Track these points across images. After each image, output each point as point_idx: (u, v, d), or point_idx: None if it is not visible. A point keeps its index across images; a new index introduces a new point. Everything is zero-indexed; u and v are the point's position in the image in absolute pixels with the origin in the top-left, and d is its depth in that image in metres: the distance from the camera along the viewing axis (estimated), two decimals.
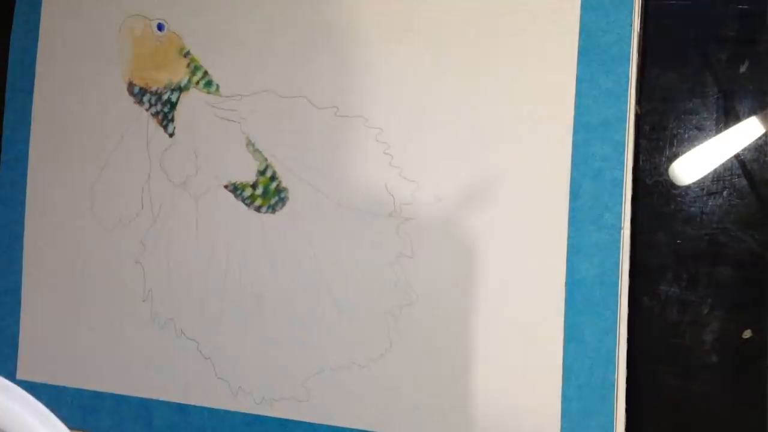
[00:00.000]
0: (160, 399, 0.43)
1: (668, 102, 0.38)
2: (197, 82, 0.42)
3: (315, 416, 0.40)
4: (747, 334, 0.37)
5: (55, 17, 0.45)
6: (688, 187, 0.38)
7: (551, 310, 0.36)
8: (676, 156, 0.38)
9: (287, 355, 0.41)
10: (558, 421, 0.36)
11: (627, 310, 0.36)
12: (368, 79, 0.39)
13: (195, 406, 0.42)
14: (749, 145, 0.37)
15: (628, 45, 0.36)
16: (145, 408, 0.43)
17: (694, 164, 0.38)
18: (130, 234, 0.43)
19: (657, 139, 0.38)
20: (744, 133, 0.37)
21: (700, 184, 0.38)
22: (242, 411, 0.41)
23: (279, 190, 0.41)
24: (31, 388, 0.45)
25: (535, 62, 0.37)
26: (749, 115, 0.37)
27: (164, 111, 0.43)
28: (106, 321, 0.44)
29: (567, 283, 0.36)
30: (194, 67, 0.42)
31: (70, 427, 0.44)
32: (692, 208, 0.37)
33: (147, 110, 0.43)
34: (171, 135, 0.43)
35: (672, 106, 0.38)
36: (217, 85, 0.42)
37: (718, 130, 0.37)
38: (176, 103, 0.43)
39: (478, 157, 0.38)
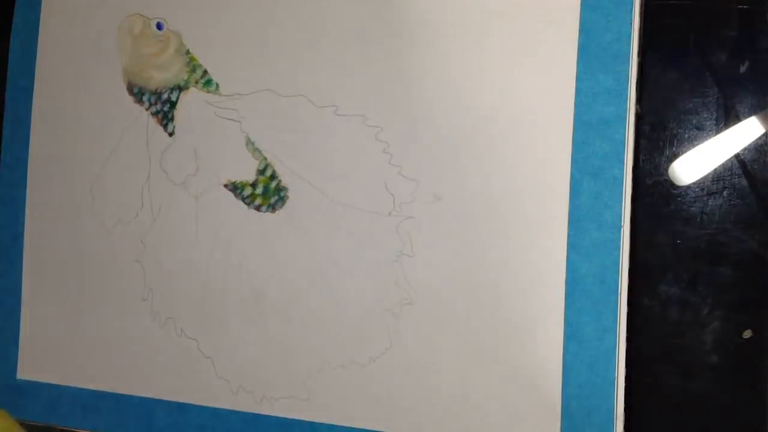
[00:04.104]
0: (161, 398, 0.43)
1: (668, 102, 0.38)
2: (197, 81, 0.42)
3: (315, 415, 0.40)
4: (747, 334, 0.37)
5: (55, 17, 0.45)
6: (688, 187, 0.38)
7: (551, 308, 0.36)
8: (676, 156, 0.38)
9: (288, 354, 0.41)
10: (558, 420, 0.36)
11: (627, 309, 0.36)
12: (368, 78, 0.39)
13: (195, 405, 0.42)
14: (749, 145, 0.37)
15: (628, 44, 0.36)
16: (145, 407, 0.43)
17: (694, 164, 0.38)
18: (130, 233, 0.43)
19: (657, 139, 0.38)
20: (744, 133, 0.37)
21: (700, 184, 0.38)
22: (243, 410, 0.41)
23: (279, 189, 0.41)
24: (32, 387, 0.45)
25: (534, 61, 0.37)
26: (749, 115, 0.37)
27: (164, 110, 0.43)
28: (107, 320, 0.44)
29: (567, 282, 0.36)
30: (194, 66, 0.42)
31: (70, 427, 0.45)
32: (692, 208, 0.37)
33: (147, 109, 0.43)
34: (171, 134, 0.43)
35: (672, 106, 0.38)
36: (217, 84, 0.42)
37: (718, 130, 0.37)
38: (176, 102, 0.43)
39: (478, 155, 0.38)
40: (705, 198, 0.37)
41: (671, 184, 0.38)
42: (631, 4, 0.36)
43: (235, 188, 0.42)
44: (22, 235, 0.46)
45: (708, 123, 0.38)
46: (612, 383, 0.36)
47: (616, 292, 0.36)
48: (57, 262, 0.45)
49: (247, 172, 0.41)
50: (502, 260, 0.37)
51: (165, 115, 0.43)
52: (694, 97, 0.38)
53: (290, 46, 0.41)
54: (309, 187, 0.40)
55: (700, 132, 0.38)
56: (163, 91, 0.43)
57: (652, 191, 0.38)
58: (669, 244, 0.38)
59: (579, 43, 0.36)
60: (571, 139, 0.36)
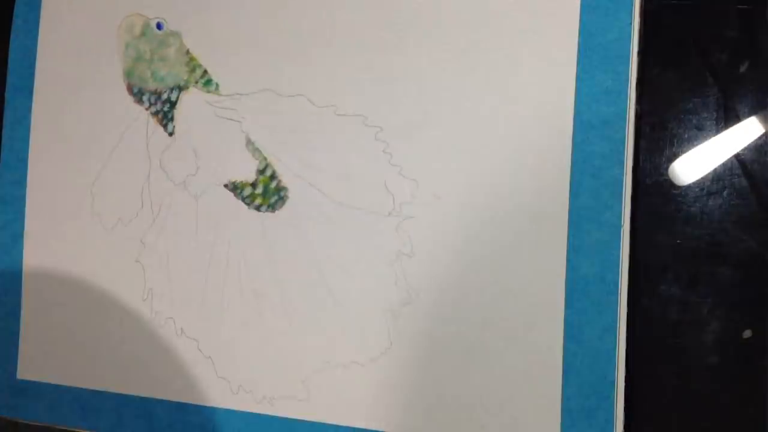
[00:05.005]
0: (161, 398, 0.43)
1: (668, 102, 0.38)
2: (197, 81, 0.42)
3: (315, 415, 0.40)
4: (747, 334, 0.37)
5: (55, 17, 0.45)
6: (688, 187, 0.38)
7: (551, 308, 0.36)
8: (676, 156, 0.38)
9: (287, 354, 0.41)
10: (558, 420, 0.36)
11: (627, 309, 0.36)
12: (368, 78, 0.39)
13: (195, 405, 0.42)
14: (749, 145, 0.37)
15: (628, 44, 0.36)
16: (145, 407, 0.43)
17: (694, 164, 0.38)
18: (130, 233, 0.43)
19: (657, 139, 0.38)
20: (744, 133, 0.37)
21: (700, 184, 0.38)
22: (242, 410, 0.41)
23: (279, 189, 0.41)
24: (31, 387, 0.45)
25: (534, 61, 0.37)
26: (749, 115, 0.37)
27: (164, 110, 0.43)
28: (106, 320, 0.44)
29: (567, 282, 0.36)
30: (193, 66, 0.42)
31: (70, 427, 0.45)
32: (692, 208, 0.37)
33: (146, 109, 0.43)
34: (171, 134, 0.43)
35: (672, 106, 0.38)
36: (217, 84, 0.42)
37: (718, 130, 0.37)
38: (176, 102, 0.43)
39: (478, 155, 0.38)
40: (705, 198, 0.37)
41: (671, 184, 0.38)
42: (631, 4, 0.36)
43: (235, 188, 0.42)
44: (22, 235, 0.46)
45: (708, 123, 0.38)
46: (612, 383, 0.36)
47: (616, 292, 0.36)
48: (57, 262, 0.45)
49: (247, 172, 0.41)
50: (502, 260, 0.37)
51: (165, 115, 0.43)
52: (694, 97, 0.38)
53: (290, 46, 0.41)
54: (309, 187, 0.40)
55: (700, 132, 0.38)
56: (163, 91, 0.43)
57: (652, 191, 0.38)
58: (669, 244, 0.38)
59: (579, 43, 0.36)
60: (571, 139, 0.36)
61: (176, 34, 0.43)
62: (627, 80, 0.36)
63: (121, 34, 0.44)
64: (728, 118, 0.37)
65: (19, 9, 0.46)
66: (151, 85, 0.43)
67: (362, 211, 0.39)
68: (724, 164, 0.37)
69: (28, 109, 0.46)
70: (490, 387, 0.37)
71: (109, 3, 0.44)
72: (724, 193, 0.37)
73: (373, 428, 0.39)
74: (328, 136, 0.40)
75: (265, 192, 0.41)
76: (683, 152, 0.38)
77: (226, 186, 0.42)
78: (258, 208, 0.41)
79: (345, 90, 0.40)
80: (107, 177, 0.44)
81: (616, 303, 0.36)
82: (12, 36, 0.46)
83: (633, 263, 0.36)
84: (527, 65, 0.37)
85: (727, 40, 0.37)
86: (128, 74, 0.44)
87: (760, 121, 0.37)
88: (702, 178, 0.38)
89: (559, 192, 0.36)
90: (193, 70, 0.42)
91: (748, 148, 0.37)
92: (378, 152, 0.39)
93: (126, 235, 0.43)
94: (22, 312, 0.46)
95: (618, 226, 0.36)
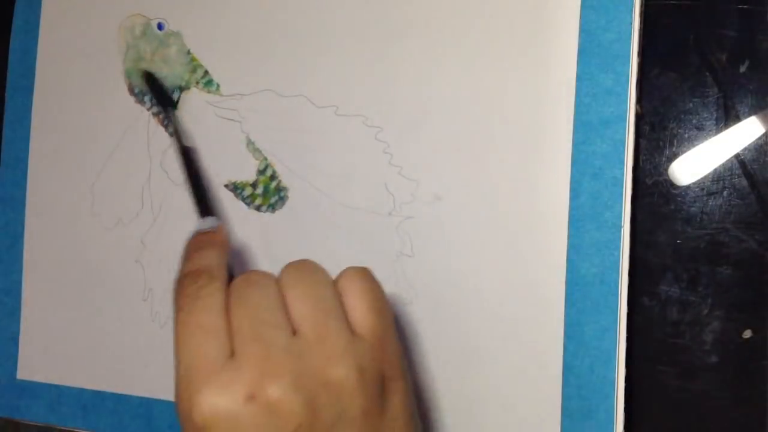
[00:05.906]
0: (161, 398, 0.43)
1: (668, 102, 0.38)
2: (197, 82, 0.42)
3: None
4: (747, 334, 0.37)
5: (55, 17, 0.45)
6: (688, 187, 0.38)
7: (551, 308, 0.36)
8: (676, 156, 0.38)
9: None
10: (558, 420, 0.36)
11: (627, 309, 0.36)
12: (368, 78, 0.39)
13: None
14: (749, 145, 0.37)
15: (628, 44, 0.36)
16: (145, 407, 0.43)
17: (694, 164, 0.38)
18: (130, 233, 0.43)
19: (657, 139, 0.38)
20: (744, 133, 0.37)
21: (700, 184, 0.38)
22: None
23: (279, 189, 0.41)
24: (31, 388, 0.45)
25: (534, 61, 0.37)
26: (749, 115, 0.37)
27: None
28: (106, 320, 0.44)
29: (567, 282, 0.36)
30: (194, 67, 0.42)
31: (70, 427, 0.44)
32: (692, 208, 0.38)
33: (147, 109, 0.43)
34: (171, 134, 0.43)
35: (672, 106, 0.38)
36: (218, 85, 0.42)
37: (718, 130, 0.37)
38: (177, 102, 0.43)
39: (478, 155, 0.38)
40: (705, 198, 0.37)
41: (671, 184, 0.38)
42: (631, 4, 0.36)
43: (235, 188, 0.42)
44: (22, 235, 0.46)
45: (708, 123, 0.38)
46: (612, 383, 0.36)
47: (616, 292, 0.36)
48: (57, 262, 0.45)
49: (247, 172, 0.41)
50: (502, 260, 0.37)
51: (166, 115, 0.43)
52: (694, 97, 0.38)
53: (290, 46, 0.41)
54: (309, 187, 0.40)
55: (700, 132, 0.38)
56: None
57: (652, 191, 0.38)
58: (669, 244, 0.38)
59: (579, 43, 0.36)
60: (571, 139, 0.36)
61: (177, 35, 0.43)
62: (627, 80, 0.36)
63: (122, 35, 0.44)
64: (728, 118, 0.37)
65: (19, 9, 0.46)
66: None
67: (362, 211, 0.39)
68: (724, 164, 0.37)
69: (28, 109, 0.46)
70: (490, 387, 0.37)
71: (109, 3, 0.44)
72: (724, 193, 0.37)
73: None
74: (328, 136, 0.40)
75: (265, 192, 0.41)
76: (683, 152, 0.38)
77: (226, 186, 0.42)
78: (258, 208, 0.41)
79: (345, 90, 0.40)
80: (107, 177, 0.44)
81: (616, 303, 0.36)
82: (12, 36, 0.46)
83: (633, 263, 0.36)
84: (527, 65, 0.37)
85: (727, 40, 0.37)
86: (129, 74, 0.44)
87: (760, 121, 0.37)
88: (702, 178, 0.38)
89: (559, 192, 0.36)
90: (193, 71, 0.42)
91: (748, 148, 0.37)
92: (378, 152, 0.39)
93: (126, 235, 0.43)
94: (22, 312, 0.46)
95: (618, 227, 0.36)
